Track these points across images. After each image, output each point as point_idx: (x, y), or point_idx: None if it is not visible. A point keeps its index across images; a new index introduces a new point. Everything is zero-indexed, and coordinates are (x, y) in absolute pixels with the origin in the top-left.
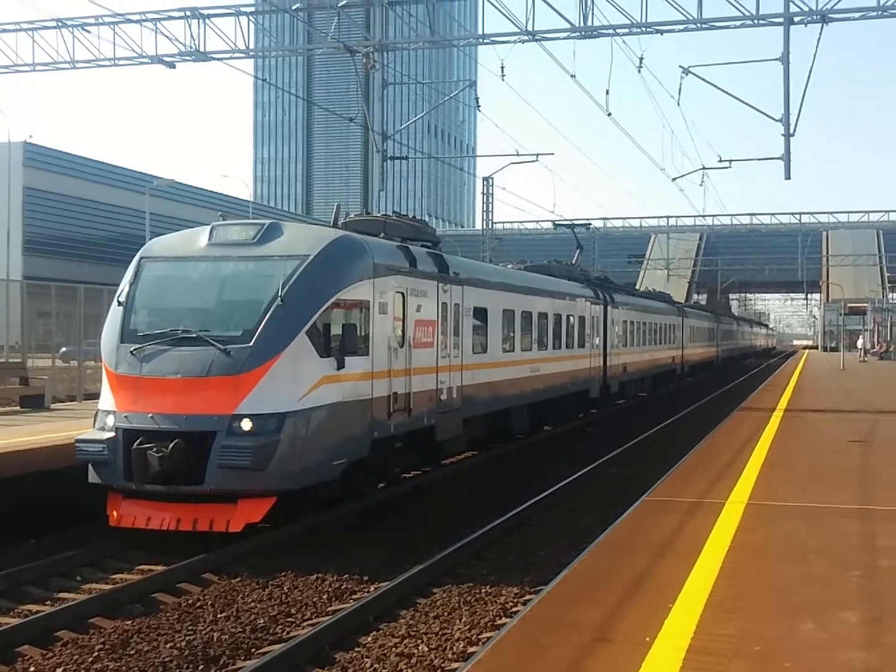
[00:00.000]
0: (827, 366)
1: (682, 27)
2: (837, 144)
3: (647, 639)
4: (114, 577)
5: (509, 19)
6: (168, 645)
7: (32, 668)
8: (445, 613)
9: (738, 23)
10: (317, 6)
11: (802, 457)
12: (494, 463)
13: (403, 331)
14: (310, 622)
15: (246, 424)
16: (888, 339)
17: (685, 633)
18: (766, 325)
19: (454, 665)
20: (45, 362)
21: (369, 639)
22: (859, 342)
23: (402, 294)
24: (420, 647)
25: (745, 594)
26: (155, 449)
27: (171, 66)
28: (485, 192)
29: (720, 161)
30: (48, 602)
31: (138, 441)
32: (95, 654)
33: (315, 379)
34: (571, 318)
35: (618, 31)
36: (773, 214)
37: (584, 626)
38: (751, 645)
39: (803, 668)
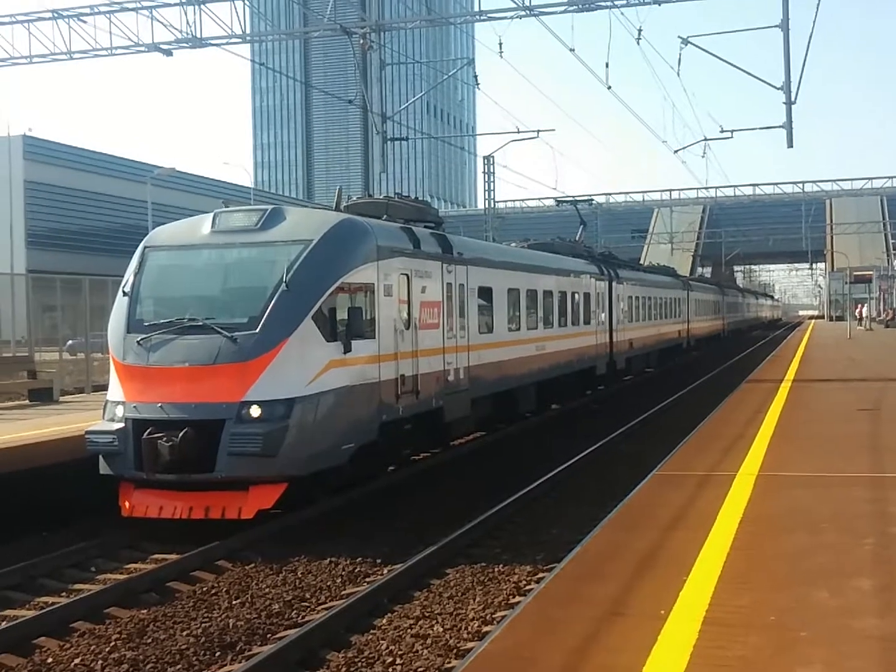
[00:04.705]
0: (833, 335)
1: None
2: (839, 111)
3: (662, 612)
4: (128, 566)
5: None
6: (184, 632)
7: (50, 660)
8: (459, 594)
9: None
10: None
11: (812, 426)
12: (503, 443)
13: (409, 313)
14: (324, 606)
15: (255, 411)
16: (894, 306)
17: (700, 606)
18: (772, 297)
19: (469, 644)
20: (53, 355)
21: (384, 621)
22: (864, 310)
23: (407, 276)
24: (435, 628)
25: (758, 565)
26: (165, 438)
27: (168, 53)
28: (486, 170)
29: (722, 131)
30: (63, 594)
31: (148, 431)
32: (112, 643)
33: (322, 364)
34: (576, 296)
35: (616, 2)
36: (776, 184)
37: (598, 602)
38: (766, 615)
39: (819, 637)
